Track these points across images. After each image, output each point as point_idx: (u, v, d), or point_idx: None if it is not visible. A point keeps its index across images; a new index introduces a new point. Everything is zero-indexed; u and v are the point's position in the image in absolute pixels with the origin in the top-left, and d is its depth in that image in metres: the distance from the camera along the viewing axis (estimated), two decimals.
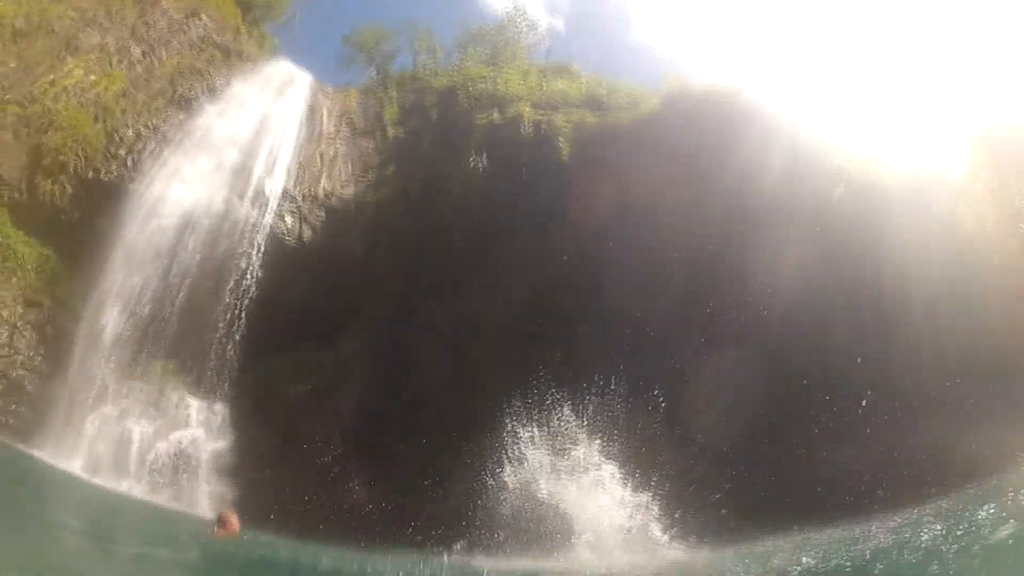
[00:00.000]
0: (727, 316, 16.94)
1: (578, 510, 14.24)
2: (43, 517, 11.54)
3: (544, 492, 14.77)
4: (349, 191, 24.63)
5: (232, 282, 20.69)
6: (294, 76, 27.96)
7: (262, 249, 21.48)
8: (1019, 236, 16.44)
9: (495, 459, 15.53)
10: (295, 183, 23.82)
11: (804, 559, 10.64)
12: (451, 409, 17.89)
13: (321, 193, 24.07)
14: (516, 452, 15.39)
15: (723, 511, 13.65)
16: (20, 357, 17.39)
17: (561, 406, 16.11)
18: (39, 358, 17.64)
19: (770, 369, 15.68)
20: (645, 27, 69.93)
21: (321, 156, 25.51)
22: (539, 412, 16.15)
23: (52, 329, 18.18)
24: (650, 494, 14.27)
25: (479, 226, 21.48)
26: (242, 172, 22.64)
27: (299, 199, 23.44)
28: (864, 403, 14.78)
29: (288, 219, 22.73)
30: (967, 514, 11.16)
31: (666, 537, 13.76)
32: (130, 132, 21.98)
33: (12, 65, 21.11)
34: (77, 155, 20.71)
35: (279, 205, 22.74)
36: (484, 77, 28.31)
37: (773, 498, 13.61)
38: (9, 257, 18.56)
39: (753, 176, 18.15)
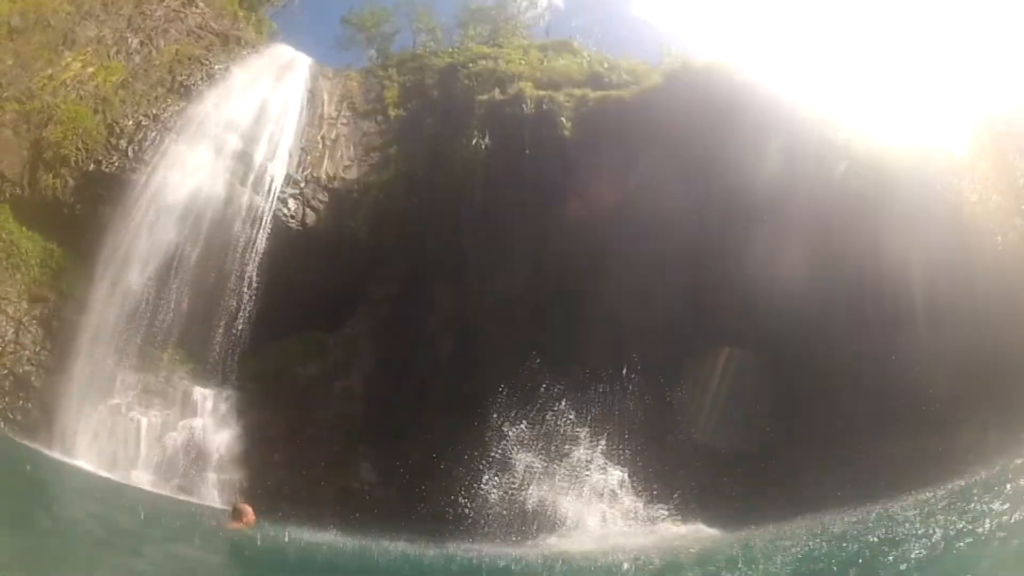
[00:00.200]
0: (729, 299, 16.94)
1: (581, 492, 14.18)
2: (53, 512, 11.51)
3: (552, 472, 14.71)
4: (352, 173, 24.39)
5: (237, 268, 20.60)
6: (293, 59, 27.58)
7: (266, 234, 21.35)
8: (1023, 215, 16.11)
9: (502, 438, 15.47)
10: (297, 167, 23.60)
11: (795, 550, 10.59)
12: (458, 388, 17.82)
13: (324, 176, 23.86)
14: (520, 432, 15.31)
15: (724, 503, 13.60)
16: (26, 353, 17.35)
17: (563, 387, 16.02)
18: (45, 353, 17.59)
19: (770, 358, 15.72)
20: (645, 2, 68.72)
21: (323, 139, 25.24)
22: (544, 392, 16.04)
23: (58, 323, 18.13)
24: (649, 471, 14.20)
25: (482, 205, 21.25)
26: (244, 158, 22.39)
27: (302, 183, 23.24)
28: (865, 397, 14.67)
29: (291, 203, 22.55)
30: (973, 505, 10.90)
31: (663, 522, 13.71)
32: (130, 122, 21.81)
33: (9, 62, 20.94)
34: (78, 148, 20.61)
35: (282, 189, 22.51)
36: (485, 55, 27.95)
37: (772, 490, 13.51)
38: (12, 253, 18.51)
39: (756, 152, 17.92)
